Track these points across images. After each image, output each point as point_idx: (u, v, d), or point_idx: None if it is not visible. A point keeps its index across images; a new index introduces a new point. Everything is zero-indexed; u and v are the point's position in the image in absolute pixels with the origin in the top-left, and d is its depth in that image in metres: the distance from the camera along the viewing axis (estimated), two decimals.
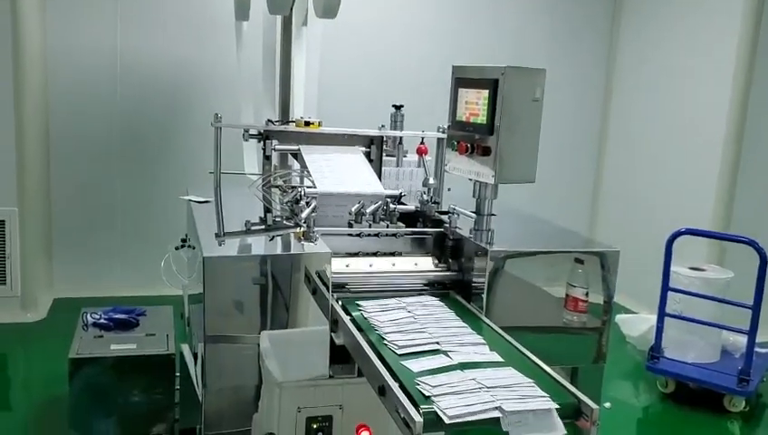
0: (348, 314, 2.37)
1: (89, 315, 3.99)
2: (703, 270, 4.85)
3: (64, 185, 5.79)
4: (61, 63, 5.62)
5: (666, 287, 4.61)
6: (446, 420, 1.71)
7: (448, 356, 2.12)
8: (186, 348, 3.60)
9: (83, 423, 3.59)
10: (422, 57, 6.20)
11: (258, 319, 2.45)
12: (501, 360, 2.13)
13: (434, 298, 2.62)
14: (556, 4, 6.70)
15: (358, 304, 2.50)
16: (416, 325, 2.33)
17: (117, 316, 3.99)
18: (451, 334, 2.29)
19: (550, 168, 6.69)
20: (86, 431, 3.60)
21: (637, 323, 5.19)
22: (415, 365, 2.03)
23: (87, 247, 5.87)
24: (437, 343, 2.20)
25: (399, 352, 2.11)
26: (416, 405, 1.76)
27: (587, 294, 2.68)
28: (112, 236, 5.91)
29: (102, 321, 3.94)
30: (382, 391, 1.90)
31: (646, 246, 5.48)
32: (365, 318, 2.39)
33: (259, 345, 2.44)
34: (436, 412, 1.75)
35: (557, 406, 1.82)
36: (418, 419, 1.69)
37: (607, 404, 4.57)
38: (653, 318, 4.81)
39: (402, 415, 1.74)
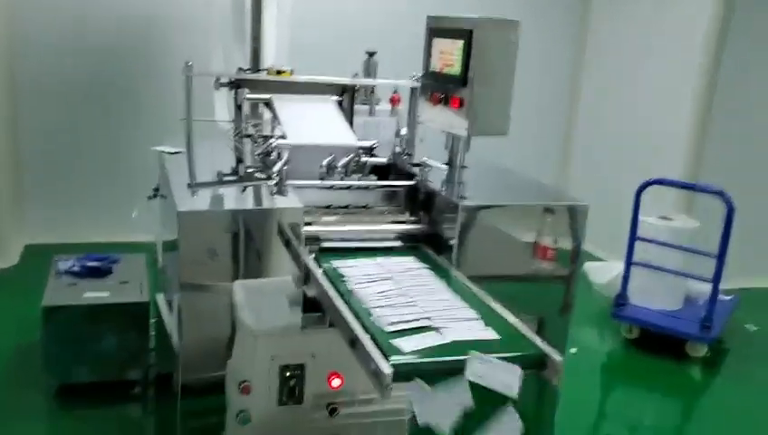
0: (320, 266, 2.40)
1: (61, 263, 3.98)
2: (671, 220, 4.94)
3: (34, 129, 5.69)
4: (27, 5, 5.46)
5: (633, 236, 4.71)
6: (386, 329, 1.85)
7: (440, 333, 2.00)
8: (160, 297, 3.62)
9: (58, 369, 3.62)
10: (397, 5, 6.12)
11: (232, 269, 2.47)
12: (498, 337, 2.02)
13: (422, 264, 2.51)
14: None
15: (342, 275, 2.38)
16: (405, 298, 2.21)
17: (90, 264, 3.99)
18: (443, 308, 2.17)
19: (522, 120, 6.72)
20: (61, 377, 3.64)
21: (604, 271, 5.29)
22: (405, 344, 1.91)
23: (59, 193, 5.81)
24: (429, 318, 2.08)
25: (389, 329, 1.99)
26: (386, 357, 1.81)
27: (555, 242, 2.73)
28: (85, 182, 5.85)
29: (75, 268, 3.95)
30: (353, 343, 1.94)
31: (618, 196, 5.56)
32: (335, 269, 2.39)
33: (232, 295, 2.47)
34: (406, 363, 1.80)
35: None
36: (388, 371, 1.74)
37: (572, 350, 4.69)
38: (620, 266, 4.92)
39: (372, 367, 1.79)
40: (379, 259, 2.51)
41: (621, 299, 4.80)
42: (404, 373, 1.79)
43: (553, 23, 6.78)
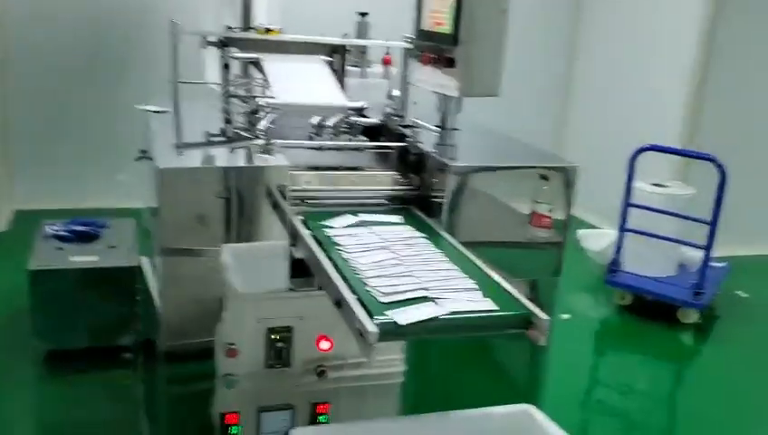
0: (308, 228, 2.36)
1: (48, 227, 3.94)
2: (665, 186, 4.91)
3: (22, 97, 5.61)
4: None
5: (627, 203, 4.68)
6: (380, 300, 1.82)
7: (437, 304, 1.93)
8: (145, 261, 3.58)
9: (46, 335, 3.60)
10: None
11: (217, 232, 2.43)
12: (497, 308, 1.95)
13: (419, 233, 2.43)
14: None
15: (337, 244, 2.29)
16: (401, 268, 2.14)
17: (77, 228, 3.95)
18: (441, 278, 2.10)
19: (518, 83, 6.66)
20: (49, 343, 3.61)
21: (598, 238, 5.27)
22: (400, 317, 1.83)
23: (48, 158, 5.75)
24: (426, 289, 2.01)
25: (383, 299, 1.92)
26: (370, 316, 1.78)
27: (551, 211, 2.70)
28: (75, 147, 5.78)
29: (62, 233, 3.90)
30: (339, 303, 1.91)
31: (613, 162, 5.51)
32: (328, 236, 2.32)
33: (220, 258, 2.43)
34: (390, 322, 1.77)
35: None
36: (373, 329, 1.71)
37: (565, 316, 4.70)
38: (614, 233, 4.90)
39: (357, 326, 1.76)
40: (375, 228, 2.43)
41: (614, 266, 4.78)
42: (389, 332, 1.75)
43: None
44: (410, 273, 2.10)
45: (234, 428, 2.40)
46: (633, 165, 4.63)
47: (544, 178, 2.66)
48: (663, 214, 4.61)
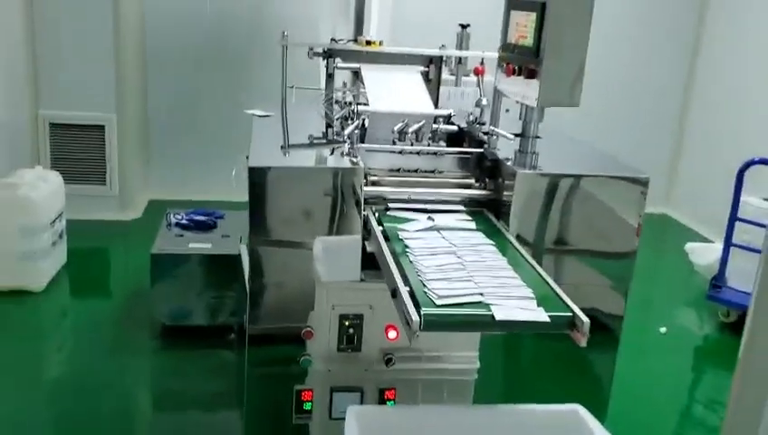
0: (380, 224, 2.55)
1: (172, 216, 4.37)
2: None
3: (159, 96, 6.18)
4: None
5: (734, 217, 4.55)
6: (436, 302, 1.95)
7: (489, 311, 2.01)
8: (243, 247, 3.90)
9: (163, 312, 4.00)
10: None
11: (299, 227, 2.64)
12: (547, 320, 2.03)
13: (486, 240, 2.52)
14: None
15: (407, 246, 2.42)
16: (462, 273, 2.23)
17: (197, 218, 4.36)
18: (499, 285, 2.18)
19: (636, 89, 6.58)
20: (165, 319, 4.01)
21: (705, 252, 5.13)
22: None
23: (179, 153, 6.29)
24: (481, 294, 2.09)
25: (438, 302, 2.03)
26: (417, 307, 1.95)
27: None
28: (203, 145, 6.29)
29: (184, 221, 4.32)
30: (394, 293, 2.09)
31: (730, 176, 5.37)
32: (400, 239, 2.45)
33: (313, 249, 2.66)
34: (435, 312, 1.94)
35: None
36: (416, 318, 1.88)
37: (663, 329, 4.64)
38: (721, 248, 4.77)
39: (405, 315, 1.94)
40: (446, 233, 2.54)
41: (718, 281, 4.66)
42: (432, 323, 1.92)
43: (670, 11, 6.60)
44: (471, 278, 2.20)
45: (307, 404, 2.63)
46: (741, 178, 4.50)
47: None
48: None
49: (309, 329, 2.57)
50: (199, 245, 4.07)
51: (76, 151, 5.63)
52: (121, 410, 3.49)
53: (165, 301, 4.00)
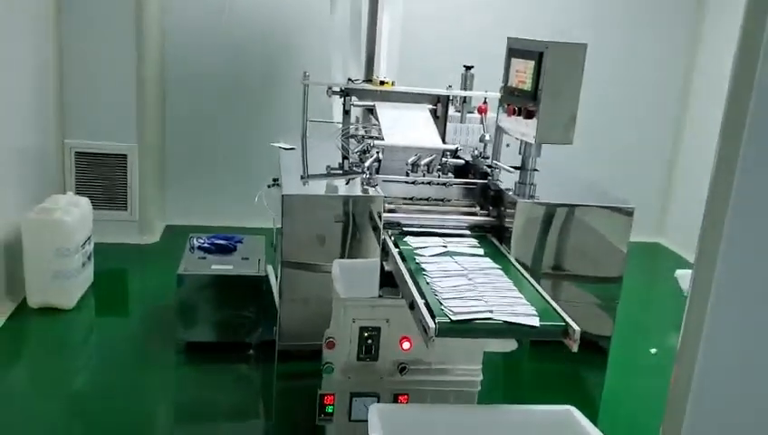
0: (397, 247, 2.88)
1: (195, 240, 4.69)
2: None
3: (178, 126, 6.53)
4: (176, 13, 6.29)
5: None
6: (452, 318, 2.24)
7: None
8: (270, 268, 4.22)
9: (187, 328, 4.30)
10: (498, 20, 6.48)
11: (326, 249, 2.97)
12: (538, 325, 2.35)
13: (493, 263, 2.81)
14: None
15: (423, 269, 2.68)
16: (474, 293, 2.51)
17: (218, 242, 4.68)
18: (506, 304, 2.45)
19: (629, 132, 6.95)
20: (189, 335, 4.31)
21: None
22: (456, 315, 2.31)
23: (195, 181, 6.62)
24: (491, 311, 2.38)
25: (454, 317, 2.30)
26: (432, 316, 2.27)
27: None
28: (218, 174, 6.63)
29: (206, 245, 4.64)
30: (411, 306, 2.41)
31: None
32: (417, 264, 2.73)
33: (332, 270, 2.99)
34: (449, 320, 2.25)
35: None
36: (432, 325, 2.19)
37: (653, 350, 4.95)
38: None
39: (422, 323, 2.25)
40: (458, 258, 2.84)
41: None
42: (446, 329, 2.24)
43: (665, 29, 7.00)
44: (481, 297, 2.50)
45: (329, 407, 2.93)
46: None
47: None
48: None
49: (332, 339, 2.87)
50: (221, 266, 4.39)
51: (99, 178, 5.96)
52: (147, 419, 3.78)
53: (188, 318, 4.30)
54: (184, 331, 4.32)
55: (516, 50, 3.22)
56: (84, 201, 5.01)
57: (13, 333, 4.43)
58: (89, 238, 4.97)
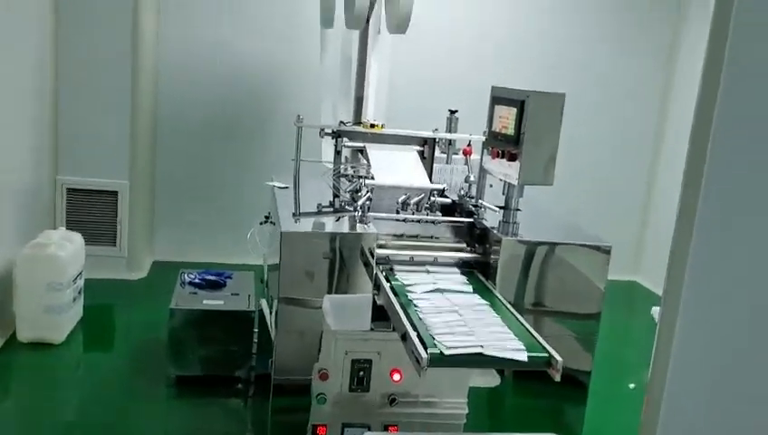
0: (388, 281, 3.02)
1: (186, 275, 4.79)
2: None
3: (167, 164, 6.66)
4: (170, 57, 6.47)
5: None
6: (445, 353, 2.36)
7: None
8: (264, 303, 4.33)
9: (177, 362, 4.38)
10: (483, 65, 6.74)
11: (321, 284, 3.11)
12: (525, 360, 2.51)
13: (482, 300, 2.96)
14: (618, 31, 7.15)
15: (416, 306, 2.82)
16: (465, 328, 2.64)
17: (209, 277, 4.79)
18: (495, 339, 2.59)
19: (606, 174, 7.18)
20: (179, 369, 4.39)
21: None
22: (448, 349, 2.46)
23: (184, 219, 6.73)
24: (482, 346, 2.52)
25: (447, 352, 2.43)
26: (425, 347, 2.40)
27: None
28: (205, 210, 6.74)
29: (197, 280, 4.74)
30: (404, 337, 2.54)
31: None
32: (410, 301, 2.88)
33: (323, 305, 3.11)
34: (440, 351, 2.39)
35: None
36: (425, 355, 2.33)
37: (631, 385, 5.10)
38: None
39: (415, 354, 2.39)
40: (449, 295, 2.99)
41: None
42: (437, 360, 2.37)
43: (640, 69, 7.29)
44: (472, 332, 2.65)
45: None
46: None
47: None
48: None
49: (325, 371, 2.99)
50: (212, 301, 4.49)
51: (89, 214, 6.05)
52: None
53: (179, 352, 4.38)
54: (174, 365, 4.40)
55: (500, 98, 3.42)
56: (77, 237, 5.10)
57: (2, 368, 4.48)
58: (80, 273, 5.05)
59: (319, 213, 3.52)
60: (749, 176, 1.35)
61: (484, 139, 3.76)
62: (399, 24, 4.46)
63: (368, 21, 4.71)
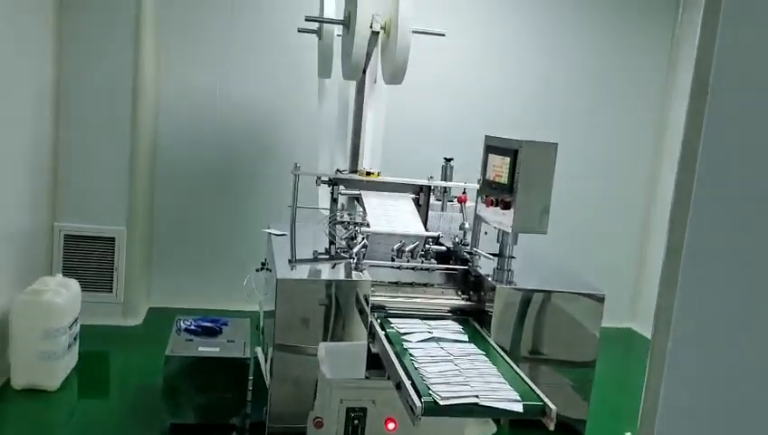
0: (383, 329, 3.04)
1: (182, 322, 4.79)
2: None
3: (164, 210, 6.69)
4: (169, 105, 6.56)
5: None
6: (440, 403, 2.35)
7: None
8: (259, 350, 4.33)
9: (172, 410, 4.35)
10: (478, 113, 6.83)
11: (316, 331, 3.14)
12: (520, 411, 2.52)
13: (477, 349, 2.98)
14: (606, 66, 7.26)
15: (412, 355, 2.84)
16: (460, 378, 2.65)
17: (204, 324, 4.78)
18: (490, 389, 2.60)
19: (601, 222, 7.23)
20: (174, 417, 4.36)
21: None
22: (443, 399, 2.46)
23: (180, 265, 6.73)
24: (477, 396, 2.52)
25: (442, 402, 2.43)
26: (419, 395, 2.41)
27: None
28: (202, 257, 6.76)
29: (192, 327, 4.74)
30: (398, 386, 2.55)
31: None
32: (405, 349, 2.90)
33: (318, 353, 3.13)
34: (434, 401, 2.40)
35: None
36: (419, 404, 2.34)
37: (627, 434, 5.06)
38: None
39: (409, 402, 2.39)
40: (444, 344, 3.00)
41: None
42: (432, 409, 2.38)
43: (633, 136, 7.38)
44: (467, 382, 2.65)
45: None
46: None
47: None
48: None
49: (319, 419, 2.99)
50: (208, 348, 4.47)
51: (86, 261, 6.06)
52: None
53: (174, 400, 4.35)
54: (169, 412, 4.36)
55: (493, 147, 3.49)
56: (73, 283, 5.11)
57: None
58: (76, 320, 5.05)
59: (315, 260, 3.55)
60: (735, 213, 1.37)
61: (478, 187, 3.82)
62: (395, 75, 4.55)
63: (364, 72, 4.80)
